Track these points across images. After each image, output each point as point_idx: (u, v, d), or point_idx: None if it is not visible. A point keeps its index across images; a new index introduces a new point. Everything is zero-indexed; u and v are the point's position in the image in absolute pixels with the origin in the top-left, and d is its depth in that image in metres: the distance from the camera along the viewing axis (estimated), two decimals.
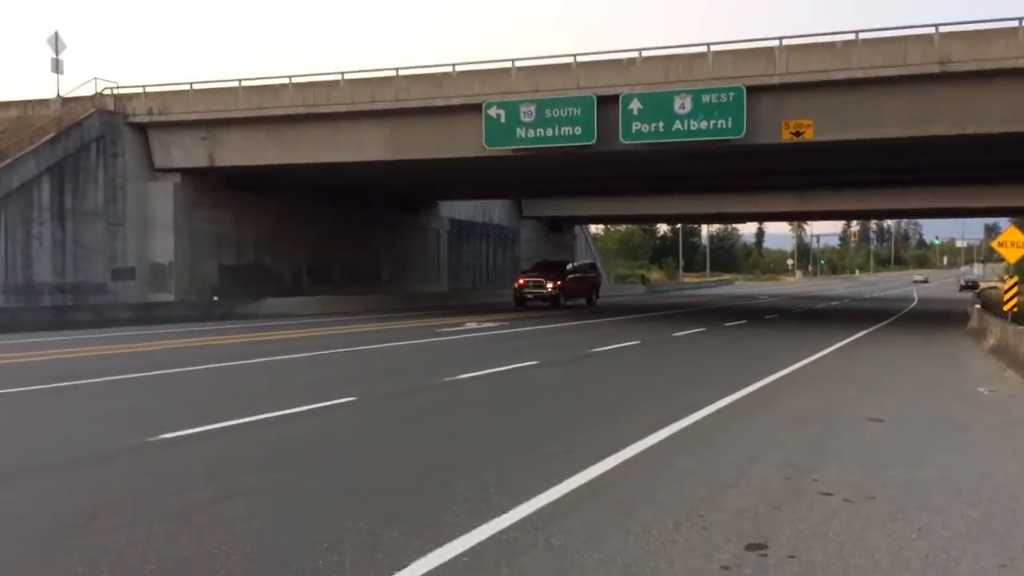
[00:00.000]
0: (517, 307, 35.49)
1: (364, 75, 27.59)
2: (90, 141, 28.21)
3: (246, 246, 32.38)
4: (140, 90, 29.85)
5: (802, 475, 6.44)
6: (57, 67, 29.69)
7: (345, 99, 27.36)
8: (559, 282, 36.11)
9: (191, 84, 29.47)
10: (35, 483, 6.14)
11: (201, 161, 29.58)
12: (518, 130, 24.66)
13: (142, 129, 29.76)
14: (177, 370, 13.17)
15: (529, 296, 36.02)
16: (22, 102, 30.71)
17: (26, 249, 25.76)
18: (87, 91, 29.89)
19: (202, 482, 6.10)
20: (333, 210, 36.44)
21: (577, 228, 58.73)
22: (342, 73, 27.64)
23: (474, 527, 4.99)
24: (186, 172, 29.99)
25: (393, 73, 27.18)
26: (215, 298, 29.43)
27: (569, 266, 39.31)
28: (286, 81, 28.31)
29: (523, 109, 24.60)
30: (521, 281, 36.94)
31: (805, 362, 14.61)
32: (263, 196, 32.67)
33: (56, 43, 29.47)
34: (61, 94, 29.80)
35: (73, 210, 27.24)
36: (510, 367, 13.22)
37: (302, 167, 29.42)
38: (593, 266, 42.79)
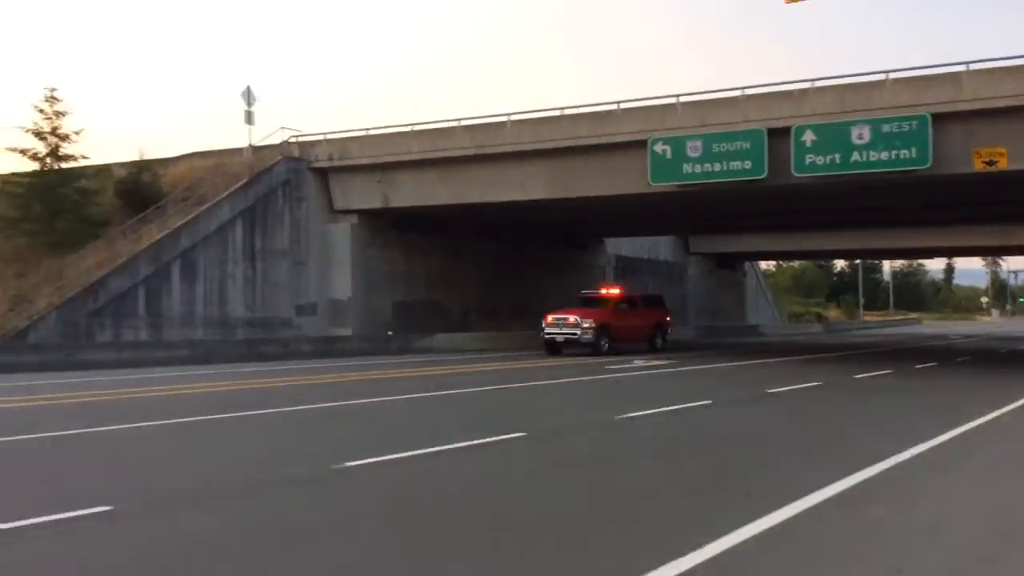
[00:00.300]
0: (551, 354, 27.58)
1: (530, 116, 28.16)
2: (277, 186, 30.26)
3: (416, 283, 33.54)
4: (321, 137, 31.77)
5: (1014, 531, 5.87)
6: (249, 118, 32.08)
7: (511, 139, 27.99)
8: (595, 321, 27.76)
9: (367, 130, 31.09)
10: (226, 505, 6.50)
11: (376, 203, 31.01)
12: (684, 165, 24.36)
13: (323, 174, 31.59)
14: (360, 401, 13.77)
15: (559, 339, 27.93)
16: (218, 151, 33.34)
17: (222, 286, 27.89)
18: (275, 139, 32.16)
19: (383, 510, 6.27)
20: (499, 248, 37.18)
21: (747, 265, 57.10)
22: (509, 115, 28.33)
23: (653, 568, 4.85)
24: (362, 213, 31.53)
25: (558, 113, 27.60)
26: (389, 333, 30.65)
27: (618, 298, 30.27)
28: (455, 124, 29.31)
29: (689, 144, 24.29)
30: (548, 319, 28.56)
31: (1008, 408, 13.43)
32: (431, 235, 33.79)
33: (248, 96, 31.88)
34: (252, 143, 32.15)
35: (262, 250, 29.27)
36: (682, 406, 12.92)
37: (470, 207, 30.26)
38: (656, 298, 33.10)
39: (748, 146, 23.47)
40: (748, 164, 23.47)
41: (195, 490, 6.97)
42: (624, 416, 11.74)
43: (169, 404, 13.54)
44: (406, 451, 8.57)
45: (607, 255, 44.33)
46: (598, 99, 49.83)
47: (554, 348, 28.02)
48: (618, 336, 28.72)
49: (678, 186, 25.02)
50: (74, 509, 5.98)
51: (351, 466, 7.82)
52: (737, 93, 24.59)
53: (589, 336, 27.33)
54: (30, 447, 9.33)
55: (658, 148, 24.81)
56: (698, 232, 47.87)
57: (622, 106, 26.32)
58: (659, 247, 48.59)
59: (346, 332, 30.11)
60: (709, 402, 13.73)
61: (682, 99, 25.40)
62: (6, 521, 5.61)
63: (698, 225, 43.47)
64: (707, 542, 5.31)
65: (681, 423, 11.54)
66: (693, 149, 24.25)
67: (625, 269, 45.73)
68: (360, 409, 13.09)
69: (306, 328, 29.82)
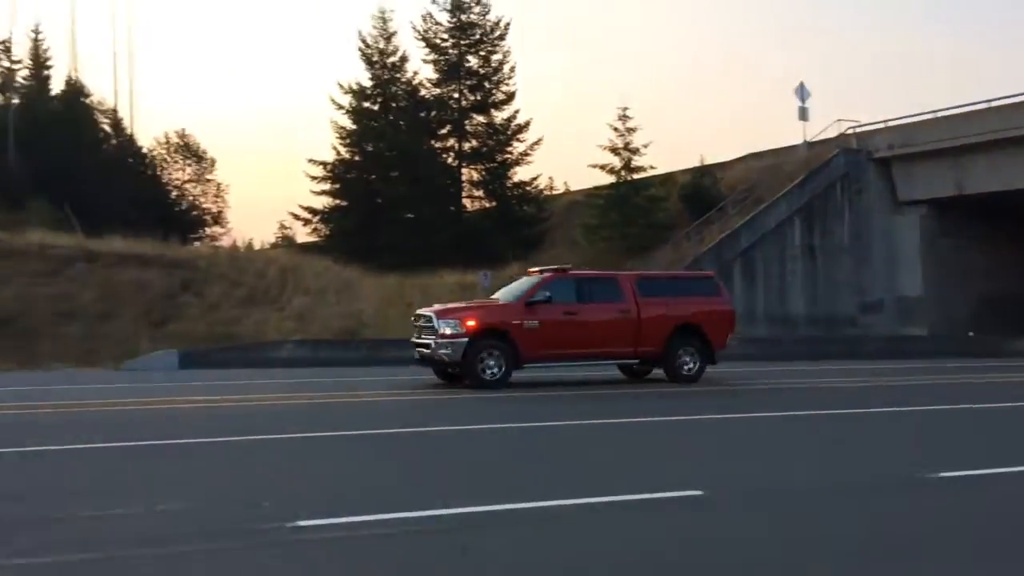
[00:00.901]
0: (443, 379, 15.76)
1: None
2: (834, 180, 29.40)
3: (1004, 278, 29.69)
4: (881, 125, 30.07)
5: None
6: (803, 115, 31.70)
7: None
8: (467, 324, 14.55)
9: (933, 112, 28.68)
10: (816, 505, 6.28)
11: (947, 190, 28.32)
12: None
13: (885, 163, 29.82)
14: (946, 407, 12.60)
15: (417, 356, 15.51)
16: (772, 151, 33.56)
17: (780, 283, 28.09)
18: (829, 133, 31.31)
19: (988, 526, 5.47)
20: None
21: None
22: None
23: None
24: (931, 203, 29.12)
25: None
26: (970, 333, 27.61)
27: (542, 284, 15.22)
28: None
29: None
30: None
31: None
32: (1019, 222, 29.59)
33: (801, 93, 31.54)
34: (807, 139, 31.70)
35: (821, 247, 28.80)
36: None
37: None
38: (692, 281, 18.01)
39: None
40: None
41: (782, 485, 6.90)
42: None
43: (756, 398, 13.94)
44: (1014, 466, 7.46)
45: None
46: None
47: (439, 370, 15.70)
48: (541, 353, 14.89)
49: None
50: (666, 490, 6.32)
51: (944, 476, 7.05)
52: None
53: (448, 351, 14.55)
54: (625, 431, 10.26)
55: None
56: None
57: None
58: None
59: (918, 332, 27.99)
60: None
61: None
62: (607, 495, 6.15)
63: None
64: None
65: None
66: None
67: None
68: (950, 415, 11.89)
69: (872, 327, 28.48)
